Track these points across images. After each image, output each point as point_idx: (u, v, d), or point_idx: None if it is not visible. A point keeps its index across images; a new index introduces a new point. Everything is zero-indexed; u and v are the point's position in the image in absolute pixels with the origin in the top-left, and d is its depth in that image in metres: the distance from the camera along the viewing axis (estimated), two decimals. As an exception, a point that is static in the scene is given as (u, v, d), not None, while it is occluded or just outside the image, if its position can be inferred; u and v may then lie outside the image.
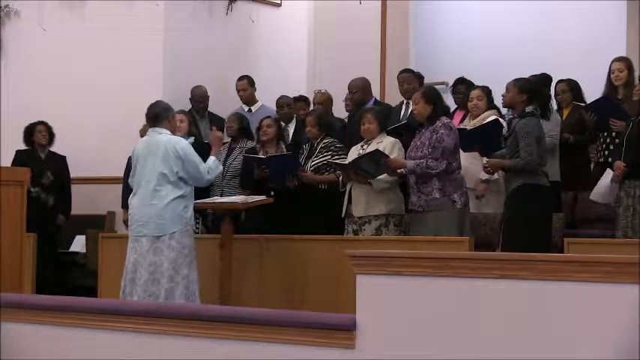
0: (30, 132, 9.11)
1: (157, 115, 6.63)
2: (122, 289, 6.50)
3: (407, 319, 3.68)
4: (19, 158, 8.94)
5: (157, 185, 6.44)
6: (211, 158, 6.75)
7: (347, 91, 8.87)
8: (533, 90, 6.67)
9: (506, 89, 6.73)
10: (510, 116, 7.43)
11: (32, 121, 9.16)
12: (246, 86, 9.28)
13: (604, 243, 6.37)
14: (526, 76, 7.75)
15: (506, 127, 6.71)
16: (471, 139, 7.01)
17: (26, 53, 9.97)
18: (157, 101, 6.83)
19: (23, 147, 9.16)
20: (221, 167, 6.91)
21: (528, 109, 6.55)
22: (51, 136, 9.14)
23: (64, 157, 9.21)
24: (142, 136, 8.71)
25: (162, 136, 6.55)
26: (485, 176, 7.14)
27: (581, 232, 7.52)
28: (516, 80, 6.70)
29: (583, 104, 8.02)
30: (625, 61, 7.80)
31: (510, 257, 3.60)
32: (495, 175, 7.08)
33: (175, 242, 6.40)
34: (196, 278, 6.49)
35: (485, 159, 6.94)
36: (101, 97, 9.50)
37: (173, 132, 6.72)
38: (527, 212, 6.38)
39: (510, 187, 6.52)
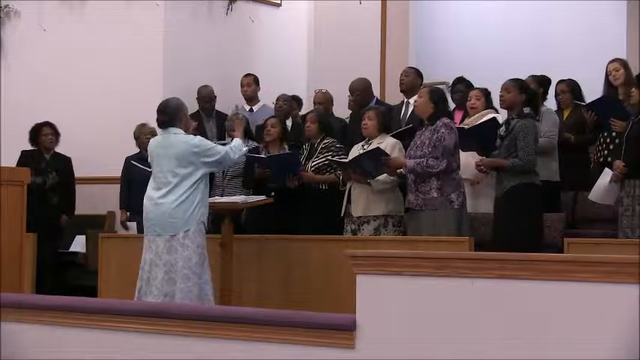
0: (36, 133, 9.07)
1: (170, 120, 6.52)
2: (138, 289, 6.47)
3: (407, 319, 3.68)
4: (24, 159, 8.91)
5: (170, 185, 6.41)
6: (236, 139, 6.77)
7: (346, 92, 8.88)
8: (529, 90, 6.72)
9: (505, 90, 6.72)
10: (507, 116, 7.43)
11: (36, 121, 9.09)
12: (251, 82, 9.30)
13: (604, 243, 6.37)
14: (525, 76, 7.80)
15: (503, 127, 6.71)
16: (469, 138, 7.01)
17: (26, 53, 9.97)
18: (165, 103, 6.62)
19: (25, 147, 9.10)
20: (246, 148, 6.83)
21: (526, 109, 6.59)
22: (57, 137, 9.11)
23: (69, 158, 9.19)
24: (135, 136, 8.74)
25: (176, 136, 6.48)
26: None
27: (581, 232, 7.52)
28: (514, 80, 6.73)
29: (583, 103, 8.02)
30: (620, 61, 7.81)
31: (510, 257, 3.60)
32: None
33: (189, 241, 6.37)
34: (209, 279, 6.48)
35: (480, 158, 6.93)
36: (101, 97, 9.51)
37: (187, 130, 6.63)
38: (524, 211, 6.45)
39: (505, 187, 6.54)
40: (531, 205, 6.51)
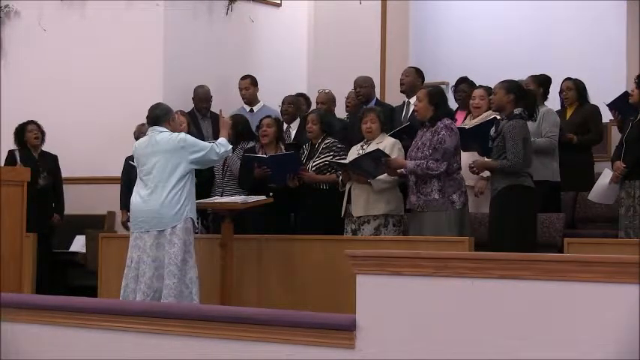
0: (21, 132, 9.04)
1: (158, 117, 6.73)
2: (124, 287, 6.52)
3: (407, 319, 3.68)
4: (12, 158, 8.90)
5: (157, 182, 6.53)
6: (221, 138, 6.86)
7: (346, 92, 8.88)
8: (519, 90, 6.67)
9: (493, 92, 6.74)
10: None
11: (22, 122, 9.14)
12: (249, 85, 9.27)
13: (604, 243, 6.37)
14: (526, 76, 7.79)
15: (494, 128, 6.71)
16: (470, 138, 7.01)
17: (26, 53, 9.97)
18: (157, 103, 6.91)
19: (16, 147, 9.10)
20: (230, 146, 6.90)
21: (516, 110, 6.56)
22: (42, 135, 9.09)
23: (56, 157, 9.17)
24: (135, 136, 8.74)
25: (161, 134, 6.64)
26: (486, 174, 7.14)
27: (581, 232, 7.52)
28: (502, 82, 6.71)
29: (589, 103, 8.01)
30: None
31: (510, 257, 3.59)
32: (486, 173, 7.07)
33: (176, 238, 6.45)
34: (195, 277, 6.51)
35: (473, 159, 6.92)
36: (101, 97, 9.50)
37: (174, 132, 6.76)
38: (512, 213, 6.41)
39: (496, 189, 6.54)
40: (520, 207, 6.44)
